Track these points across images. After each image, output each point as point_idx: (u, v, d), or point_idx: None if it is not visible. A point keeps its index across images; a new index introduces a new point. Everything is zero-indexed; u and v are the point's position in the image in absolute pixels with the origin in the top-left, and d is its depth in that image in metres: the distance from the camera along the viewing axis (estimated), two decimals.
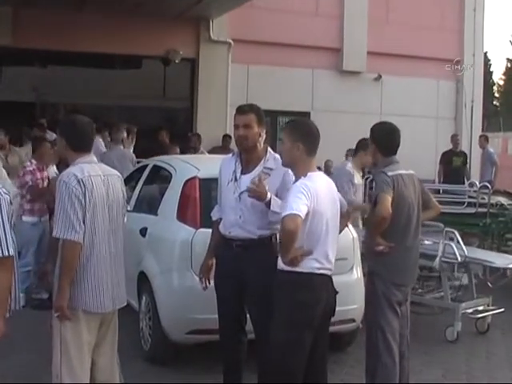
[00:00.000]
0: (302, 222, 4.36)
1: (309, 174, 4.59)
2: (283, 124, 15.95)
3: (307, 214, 4.41)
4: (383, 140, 5.57)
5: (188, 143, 14.07)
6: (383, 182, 5.36)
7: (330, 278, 4.68)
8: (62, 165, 7.41)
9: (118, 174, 4.85)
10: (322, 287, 4.60)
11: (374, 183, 5.78)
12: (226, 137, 14.89)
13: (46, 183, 8.76)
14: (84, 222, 4.38)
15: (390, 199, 5.29)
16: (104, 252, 4.51)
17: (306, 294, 4.52)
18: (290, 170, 5.22)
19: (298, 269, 4.50)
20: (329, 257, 4.65)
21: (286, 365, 4.53)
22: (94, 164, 4.62)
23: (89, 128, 4.69)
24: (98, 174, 4.54)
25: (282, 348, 4.53)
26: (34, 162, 8.86)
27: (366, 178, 10.48)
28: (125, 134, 12.09)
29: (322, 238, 4.57)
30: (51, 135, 12.34)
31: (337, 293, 4.75)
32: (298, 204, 4.35)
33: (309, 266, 4.52)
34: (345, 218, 5.00)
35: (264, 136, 5.35)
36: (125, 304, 4.81)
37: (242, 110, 5.32)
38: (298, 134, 4.68)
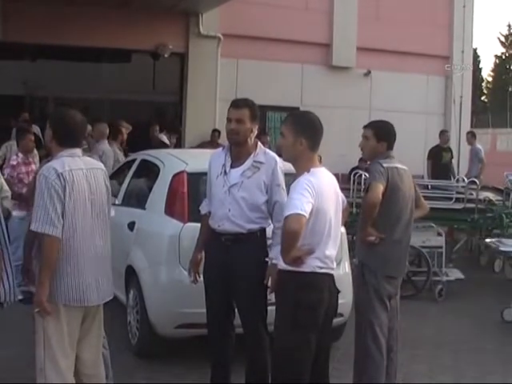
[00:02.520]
0: (306, 221, 4.17)
1: (312, 169, 4.37)
2: (273, 118, 16.15)
3: (311, 212, 4.21)
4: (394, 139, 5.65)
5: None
6: (376, 172, 5.38)
7: (332, 276, 4.51)
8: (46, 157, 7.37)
9: (102, 167, 4.79)
10: (324, 287, 4.42)
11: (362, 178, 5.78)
12: (215, 132, 14.89)
13: (31, 177, 8.69)
14: (63, 217, 4.33)
15: (381, 187, 5.31)
16: (85, 246, 4.46)
17: (308, 295, 4.33)
18: (279, 165, 5.23)
19: (299, 268, 4.31)
20: (331, 255, 4.46)
21: (293, 368, 4.37)
22: (77, 157, 4.55)
23: (80, 125, 4.62)
24: (79, 168, 4.48)
25: (287, 351, 4.36)
26: (20, 155, 8.78)
27: (355, 174, 10.49)
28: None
29: (325, 236, 4.39)
30: (37, 129, 12.33)
31: (339, 292, 4.62)
32: (302, 202, 4.14)
33: (311, 265, 4.33)
34: (343, 214, 4.80)
35: (256, 132, 5.33)
36: (110, 298, 4.76)
37: (236, 104, 5.29)
38: (300, 128, 4.42)
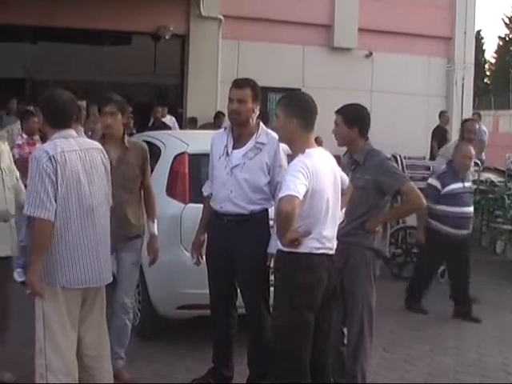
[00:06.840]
0: (300, 203, 4.14)
1: (307, 150, 4.36)
2: (275, 99, 16.04)
3: (306, 194, 4.21)
4: (367, 123, 5.44)
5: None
6: (397, 169, 5.33)
7: (331, 257, 4.50)
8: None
9: (99, 146, 4.72)
10: (322, 267, 4.41)
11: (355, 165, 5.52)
12: (220, 114, 14.78)
13: None
14: (56, 200, 4.30)
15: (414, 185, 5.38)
16: (81, 228, 4.42)
17: (305, 276, 4.33)
18: (281, 146, 5.20)
19: (297, 250, 4.31)
20: (329, 236, 4.45)
21: (290, 348, 4.38)
22: (71, 139, 4.49)
23: (68, 104, 4.56)
24: (73, 149, 4.43)
25: (284, 332, 4.38)
26: (24, 136, 9.11)
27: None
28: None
29: (322, 216, 4.37)
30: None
31: (340, 272, 4.62)
32: (295, 184, 4.12)
33: (308, 246, 4.33)
34: (345, 195, 4.80)
35: (257, 112, 5.30)
36: (109, 281, 4.71)
37: (237, 84, 5.27)
38: (292, 109, 4.45)
